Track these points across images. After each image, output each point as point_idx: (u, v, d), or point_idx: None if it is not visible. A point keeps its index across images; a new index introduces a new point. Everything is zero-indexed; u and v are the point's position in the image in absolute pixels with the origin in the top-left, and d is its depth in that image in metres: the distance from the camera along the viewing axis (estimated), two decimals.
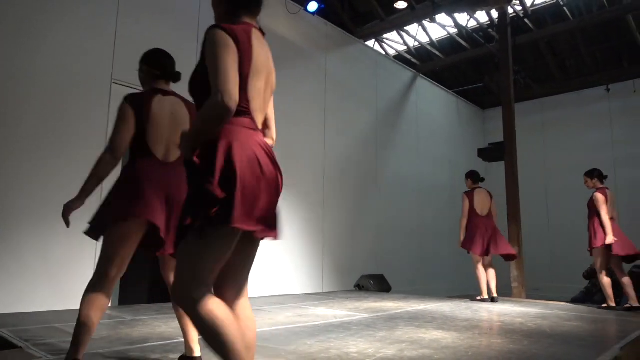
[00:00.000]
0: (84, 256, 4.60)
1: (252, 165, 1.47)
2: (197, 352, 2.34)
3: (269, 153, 1.58)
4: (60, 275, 4.39)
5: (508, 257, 5.94)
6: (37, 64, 4.50)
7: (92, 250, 4.67)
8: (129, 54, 5.14)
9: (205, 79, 1.48)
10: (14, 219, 4.21)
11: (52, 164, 4.49)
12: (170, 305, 4.74)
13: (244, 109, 1.53)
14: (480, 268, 5.77)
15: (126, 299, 5.19)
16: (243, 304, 1.60)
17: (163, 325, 3.53)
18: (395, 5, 8.63)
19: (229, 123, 1.48)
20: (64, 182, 4.56)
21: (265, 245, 6.08)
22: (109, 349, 2.72)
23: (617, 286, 6.94)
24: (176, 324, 3.65)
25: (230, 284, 1.59)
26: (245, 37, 1.54)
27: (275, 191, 1.57)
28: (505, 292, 8.05)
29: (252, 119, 1.57)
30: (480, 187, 6.00)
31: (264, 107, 1.65)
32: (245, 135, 1.51)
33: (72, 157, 4.62)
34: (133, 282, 5.92)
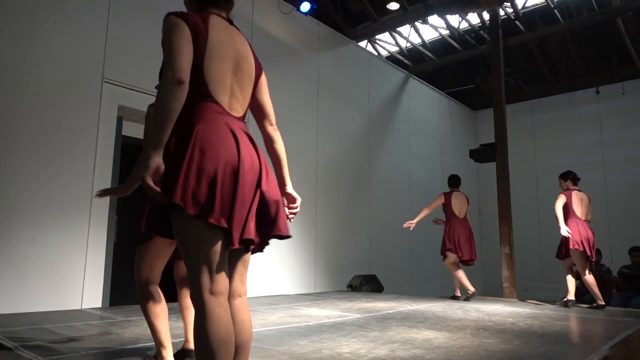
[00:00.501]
0: (74, 257, 4.56)
1: (213, 146, 1.45)
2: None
3: (240, 135, 1.54)
4: (50, 276, 4.35)
5: (467, 263, 5.99)
6: (27, 62, 4.46)
7: (82, 250, 4.64)
8: (119, 53, 5.11)
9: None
10: (2, 219, 4.16)
11: (41, 163, 4.45)
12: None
13: (202, 91, 1.53)
14: (458, 267, 5.90)
15: (117, 300, 5.15)
16: (237, 304, 1.57)
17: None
18: (387, 6, 8.65)
19: (189, 108, 1.48)
20: (53, 181, 4.52)
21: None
22: (100, 350, 2.70)
23: (606, 286, 7.03)
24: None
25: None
26: (200, 21, 1.56)
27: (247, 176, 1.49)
28: (496, 292, 8.11)
29: (216, 102, 1.55)
30: (459, 191, 6.11)
31: (236, 91, 1.63)
32: (209, 117, 1.51)
33: (62, 156, 4.59)
34: (124, 282, 5.89)
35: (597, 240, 5.35)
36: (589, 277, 5.26)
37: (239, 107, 1.64)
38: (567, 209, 5.36)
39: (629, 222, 9.21)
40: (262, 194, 1.54)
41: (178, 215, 1.44)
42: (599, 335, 3.52)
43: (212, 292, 1.42)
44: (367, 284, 7.24)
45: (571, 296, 5.48)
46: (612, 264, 7.40)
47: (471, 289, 5.84)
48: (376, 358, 2.62)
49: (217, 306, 1.42)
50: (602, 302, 5.29)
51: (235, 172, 1.46)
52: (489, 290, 10.12)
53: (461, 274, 5.89)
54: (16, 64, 4.40)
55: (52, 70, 4.61)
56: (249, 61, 1.69)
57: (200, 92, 1.53)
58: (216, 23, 1.61)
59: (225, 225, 1.43)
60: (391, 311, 4.71)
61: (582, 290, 7.11)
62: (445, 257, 5.91)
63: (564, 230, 5.20)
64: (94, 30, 4.96)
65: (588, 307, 5.40)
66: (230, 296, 1.55)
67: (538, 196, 10.54)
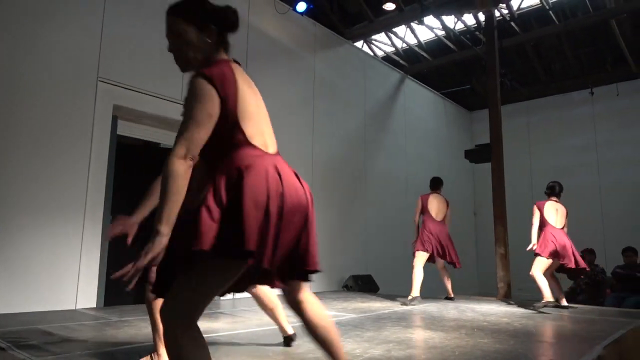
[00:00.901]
0: (68, 257, 4.54)
1: (259, 189, 1.45)
2: (289, 330, 2.73)
3: (285, 173, 1.55)
4: (44, 276, 4.33)
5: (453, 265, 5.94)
6: (22, 61, 4.44)
7: (77, 251, 4.62)
8: (115, 52, 5.09)
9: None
10: None
11: (36, 163, 4.42)
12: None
13: (240, 139, 1.53)
14: (421, 269, 5.63)
15: (112, 300, 5.13)
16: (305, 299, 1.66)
17: (149, 327, 3.49)
18: (383, 7, 8.66)
19: (232, 156, 1.50)
20: (48, 181, 4.50)
21: None
22: (94, 350, 2.69)
23: (600, 286, 7.07)
24: None
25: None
26: (230, 77, 1.54)
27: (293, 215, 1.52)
28: (491, 292, 8.13)
29: (254, 146, 1.54)
30: (439, 193, 6.07)
31: (265, 129, 1.63)
32: (252, 162, 1.50)
33: (56, 156, 4.57)
34: (119, 283, 5.86)
35: (592, 241, 5.37)
36: (538, 275, 5.10)
37: (271, 143, 1.64)
38: (541, 218, 5.43)
39: (623, 223, 9.26)
40: (306, 231, 1.57)
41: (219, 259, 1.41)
42: (593, 335, 3.53)
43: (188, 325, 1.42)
44: (363, 284, 7.25)
45: (549, 298, 5.13)
46: (606, 265, 7.44)
47: (415, 293, 5.55)
48: (371, 358, 2.63)
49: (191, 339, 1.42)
50: (550, 299, 5.07)
51: (280, 214, 1.47)
52: (484, 290, 10.15)
53: (417, 276, 5.62)
54: (11, 63, 4.37)
55: (46, 69, 4.59)
56: (259, 94, 1.70)
57: (239, 140, 1.53)
58: (239, 71, 1.61)
59: (269, 267, 1.44)
60: (386, 311, 4.71)
61: (576, 290, 7.15)
62: (414, 255, 5.74)
63: (530, 247, 5.31)
64: (89, 29, 4.93)
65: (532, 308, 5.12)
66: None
67: (533, 197, 10.55)
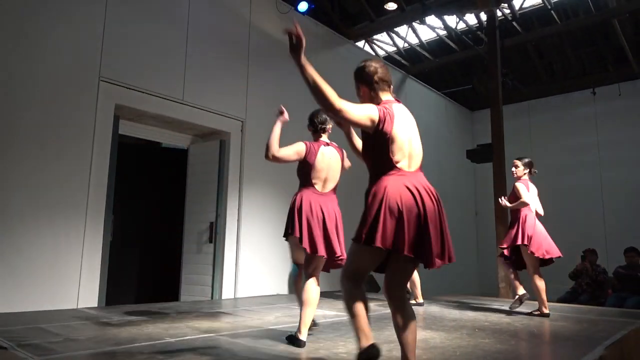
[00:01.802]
0: (70, 256, 4.55)
1: (394, 200, 2.10)
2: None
3: (417, 189, 2.14)
4: (46, 275, 4.33)
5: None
6: (23, 60, 4.44)
7: (79, 250, 4.63)
8: (116, 51, 5.09)
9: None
10: None
11: (38, 162, 4.43)
12: (158, 306, 4.71)
13: (391, 165, 2.19)
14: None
15: (113, 300, 5.14)
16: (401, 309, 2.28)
17: (150, 326, 3.50)
18: (385, 7, 8.65)
19: (383, 177, 2.21)
20: (50, 180, 4.50)
21: (255, 245, 6.06)
22: (95, 349, 2.69)
23: (601, 286, 7.06)
24: (163, 324, 3.62)
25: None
26: (391, 113, 2.23)
27: (420, 218, 2.09)
28: (492, 292, 8.12)
29: (398, 169, 2.19)
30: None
31: (411, 152, 2.25)
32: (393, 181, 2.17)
33: (58, 155, 4.57)
34: (120, 282, 5.87)
35: (594, 241, 5.31)
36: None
37: (410, 162, 2.26)
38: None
39: (624, 223, 9.24)
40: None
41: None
42: (595, 335, 3.53)
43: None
44: (364, 285, 7.24)
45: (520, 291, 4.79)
46: (608, 265, 7.43)
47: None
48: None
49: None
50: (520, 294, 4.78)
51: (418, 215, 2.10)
52: (485, 290, 10.13)
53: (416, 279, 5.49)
54: (13, 63, 4.37)
55: (48, 69, 4.59)
56: (415, 125, 2.42)
57: (390, 166, 2.21)
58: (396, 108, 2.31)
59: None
60: (387, 311, 4.68)
61: (578, 290, 7.14)
62: None
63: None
64: (91, 29, 4.93)
65: (528, 314, 4.69)
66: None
67: None
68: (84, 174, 4.73)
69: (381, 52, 10.47)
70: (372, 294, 6.63)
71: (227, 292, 5.88)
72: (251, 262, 6.14)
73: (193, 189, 6.32)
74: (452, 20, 9.47)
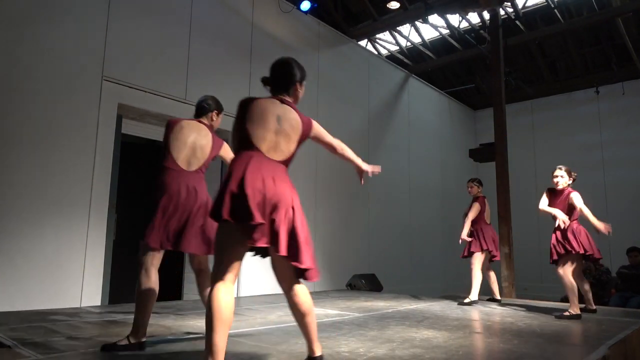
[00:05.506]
0: (73, 255, 4.56)
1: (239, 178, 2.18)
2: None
3: (263, 169, 2.24)
4: (49, 274, 4.35)
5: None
6: (26, 60, 4.46)
7: (82, 248, 4.64)
8: (119, 50, 5.10)
9: None
10: (2, 217, 4.16)
11: (41, 161, 4.45)
12: (160, 304, 4.72)
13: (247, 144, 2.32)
14: (480, 270, 5.65)
15: (117, 298, 5.15)
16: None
17: (154, 324, 3.51)
18: (387, 6, 8.65)
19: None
20: (53, 179, 4.52)
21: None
22: (99, 348, 2.69)
23: (605, 286, 7.04)
24: (165, 322, 3.63)
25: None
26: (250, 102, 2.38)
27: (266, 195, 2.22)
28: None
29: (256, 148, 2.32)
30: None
31: (267, 136, 2.37)
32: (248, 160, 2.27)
33: (61, 154, 4.59)
34: (124, 280, 5.88)
35: (596, 240, 5.28)
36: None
37: (266, 145, 2.40)
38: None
39: (628, 223, 9.19)
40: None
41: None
42: (598, 335, 3.52)
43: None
44: (366, 283, 7.24)
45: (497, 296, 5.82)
46: (611, 264, 7.40)
47: None
48: (375, 357, 2.62)
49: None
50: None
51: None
52: (488, 290, 10.11)
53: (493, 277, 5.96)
54: (16, 62, 4.39)
55: (51, 69, 4.61)
56: (286, 117, 2.64)
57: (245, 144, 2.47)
58: (265, 100, 2.55)
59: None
60: (390, 310, 4.71)
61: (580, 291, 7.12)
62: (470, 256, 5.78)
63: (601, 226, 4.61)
64: (93, 28, 4.95)
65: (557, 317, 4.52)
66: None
67: (537, 196, 10.52)
68: (87, 172, 4.75)
69: (384, 51, 10.46)
70: (374, 293, 6.63)
71: None
72: (253, 260, 6.13)
73: None
74: (454, 19, 9.46)
